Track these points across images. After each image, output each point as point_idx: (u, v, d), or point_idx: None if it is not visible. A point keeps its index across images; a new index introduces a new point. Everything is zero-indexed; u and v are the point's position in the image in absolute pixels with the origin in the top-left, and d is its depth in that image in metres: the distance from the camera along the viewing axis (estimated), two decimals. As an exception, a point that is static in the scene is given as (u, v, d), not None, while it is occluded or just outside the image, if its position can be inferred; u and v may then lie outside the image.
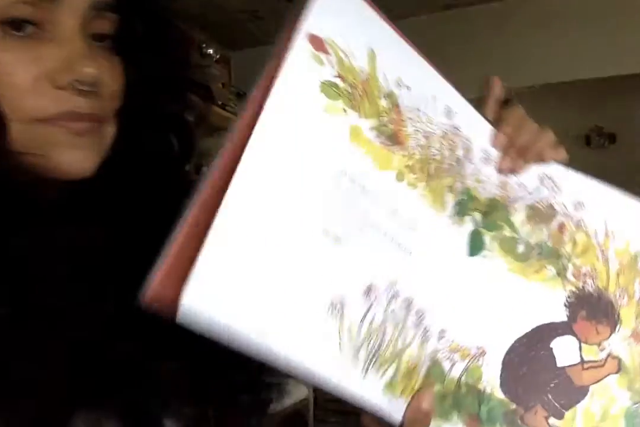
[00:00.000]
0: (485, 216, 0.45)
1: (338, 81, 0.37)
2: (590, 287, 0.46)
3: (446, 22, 2.66)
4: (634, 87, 2.67)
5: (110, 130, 0.43)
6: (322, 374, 0.33)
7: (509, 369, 0.42)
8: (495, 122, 0.49)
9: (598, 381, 0.43)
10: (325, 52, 0.37)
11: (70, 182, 0.40)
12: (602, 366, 0.44)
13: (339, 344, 0.33)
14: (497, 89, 0.54)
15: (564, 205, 0.48)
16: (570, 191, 0.49)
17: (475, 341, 0.42)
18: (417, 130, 0.42)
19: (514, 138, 0.48)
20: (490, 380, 0.41)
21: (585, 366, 0.43)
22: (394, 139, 0.40)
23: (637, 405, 0.43)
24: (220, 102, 2.47)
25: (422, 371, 0.39)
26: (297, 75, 0.34)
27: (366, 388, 0.35)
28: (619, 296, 0.46)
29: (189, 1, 2.61)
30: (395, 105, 0.41)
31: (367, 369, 0.35)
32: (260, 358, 0.30)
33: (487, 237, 0.44)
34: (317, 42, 0.37)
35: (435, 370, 0.40)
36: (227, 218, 0.29)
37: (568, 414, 0.42)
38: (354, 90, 0.38)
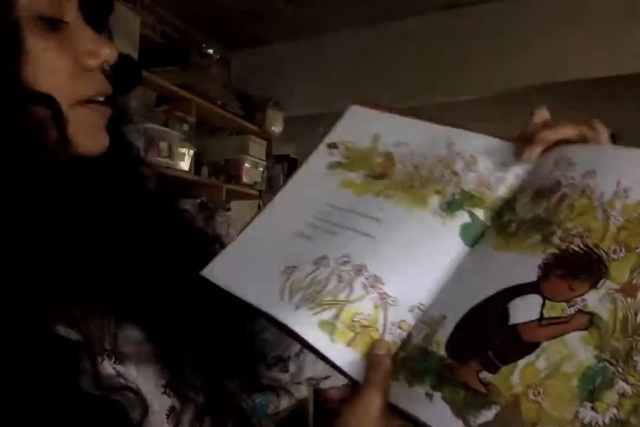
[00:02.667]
0: (491, 211, 0.52)
1: (341, 160, 0.60)
2: (576, 246, 0.44)
3: (446, 22, 2.66)
4: (634, 87, 2.67)
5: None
6: (262, 308, 0.48)
7: (459, 329, 0.44)
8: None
9: (556, 337, 0.41)
10: (335, 147, 0.61)
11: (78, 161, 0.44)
12: (567, 322, 0.41)
13: (280, 290, 0.48)
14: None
15: (572, 178, 0.48)
16: (584, 163, 0.49)
17: (440, 310, 0.46)
18: (406, 166, 0.57)
19: (527, 130, 0.51)
20: (439, 340, 0.44)
21: (543, 322, 0.42)
22: (379, 176, 0.57)
23: (602, 363, 0.38)
24: (220, 102, 2.48)
25: (387, 336, 0.46)
26: (313, 163, 0.61)
27: (296, 319, 0.46)
28: (614, 250, 0.43)
29: (189, 1, 2.62)
30: (390, 158, 0.58)
31: (298, 306, 0.47)
32: (238, 302, 0.48)
33: (492, 228, 0.51)
34: (332, 145, 0.61)
35: (405, 340, 0.47)
36: (250, 229, 0.57)
37: (505, 368, 0.40)
38: (352, 160, 0.59)
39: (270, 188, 2.85)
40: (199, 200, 2.22)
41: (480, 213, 0.52)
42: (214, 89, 2.42)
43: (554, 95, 2.94)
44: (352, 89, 2.83)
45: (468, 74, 2.57)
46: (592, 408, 0.37)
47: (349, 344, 0.45)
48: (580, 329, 0.40)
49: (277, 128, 2.79)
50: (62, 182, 0.39)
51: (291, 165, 3.04)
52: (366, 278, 0.48)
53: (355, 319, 0.46)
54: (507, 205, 0.51)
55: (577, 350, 0.40)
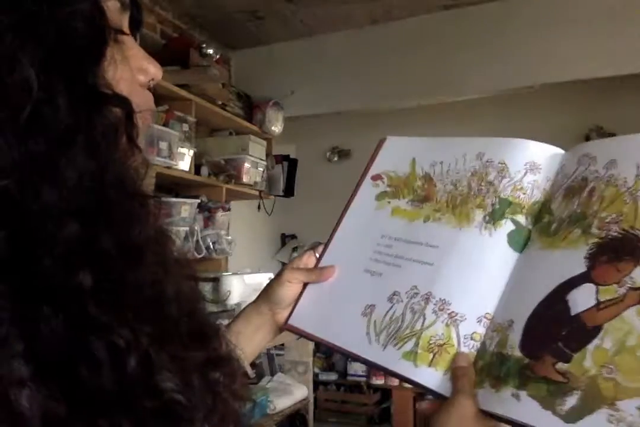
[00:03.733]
0: (531, 215, 0.54)
1: (387, 189, 0.63)
2: (614, 232, 0.47)
3: (446, 22, 2.66)
4: (634, 87, 2.67)
5: None
6: (355, 352, 0.54)
7: (529, 330, 0.47)
8: None
9: (614, 317, 0.43)
10: (380, 178, 0.64)
11: None
12: (621, 300, 0.43)
13: (366, 332, 0.54)
14: None
15: (596, 171, 0.51)
16: (604, 155, 0.51)
17: (506, 316, 0.49)
18: (446, 184, 0.59)
19: None
20: (513, 344, 0.47)
21: (601, 306, 0.44)
22: (424, 199, 0.60)
23: None
24: (220, 102, 2.48)
25: (463, 348, 0.50)
26: (362, 197, 0.64)
27: (386, 358, 0.52)
28: None
29: (189, 1, 2.62)
30: (429, 179, 0.61)
31: (385, 346, 0.52)
32: (324, 346, 0.54)
33: (535, 231, 0.53)
34: (375, 177, 0.64)
35: (480, 349, 0.50)
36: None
37: (577, 356, 0.43)
38: (397, 188, 0.62)
39: (270, 188, 2.85)
40: (199, 200, 2.22)
41: (521, 219, 0.54)
42: (214, 89, 2.41)
43: (553, 95, 2.94)
44: (352, 89, 2.83)
45: (468, 74, 2.57)
46: None
47: (430, 365, 0.50)
48: (634, 305, 0.42)
49: (277, 128, 2.79)
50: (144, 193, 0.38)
51: (291, 165, 3.04)
52: (434, 304, 0.53)
53: (431, 342, 0.51)
54: (544, 207, 0.54)
55: (635, 323, 0.42)
